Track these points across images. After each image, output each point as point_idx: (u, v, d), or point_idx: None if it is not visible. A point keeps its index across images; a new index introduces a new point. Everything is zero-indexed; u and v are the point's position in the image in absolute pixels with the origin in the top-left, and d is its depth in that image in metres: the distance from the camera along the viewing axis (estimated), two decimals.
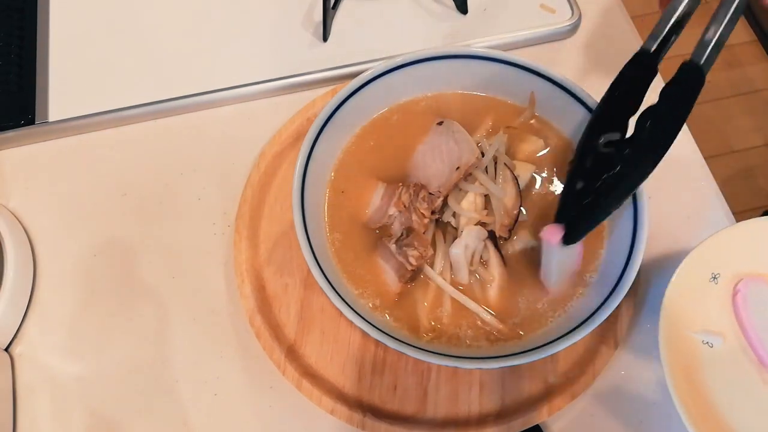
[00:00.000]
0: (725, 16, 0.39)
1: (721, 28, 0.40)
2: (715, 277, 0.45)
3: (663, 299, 0.43)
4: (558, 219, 0.45)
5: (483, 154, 0.50)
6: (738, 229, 0.46)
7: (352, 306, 0.43)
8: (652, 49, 0.43)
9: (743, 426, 0.41)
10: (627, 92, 0.44)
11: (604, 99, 0.45)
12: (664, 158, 0.40)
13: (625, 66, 0.44)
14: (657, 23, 0.43)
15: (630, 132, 0.43)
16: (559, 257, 0.45)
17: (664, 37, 0.43)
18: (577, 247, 0.45)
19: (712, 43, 0.40)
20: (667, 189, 0.55)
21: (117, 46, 0.64)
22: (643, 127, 0.41)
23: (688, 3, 0.42)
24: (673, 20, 0.42)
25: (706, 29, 0.40)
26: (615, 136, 0.44)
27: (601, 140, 0.44)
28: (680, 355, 0.41)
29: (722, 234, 0.45)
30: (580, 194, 0.44)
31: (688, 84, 0.40)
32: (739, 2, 0.39)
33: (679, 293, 0.43)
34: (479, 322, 0.47)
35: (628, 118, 0.44)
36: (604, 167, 0.43)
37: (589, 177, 0.44)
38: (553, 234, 0.43)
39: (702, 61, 0.40)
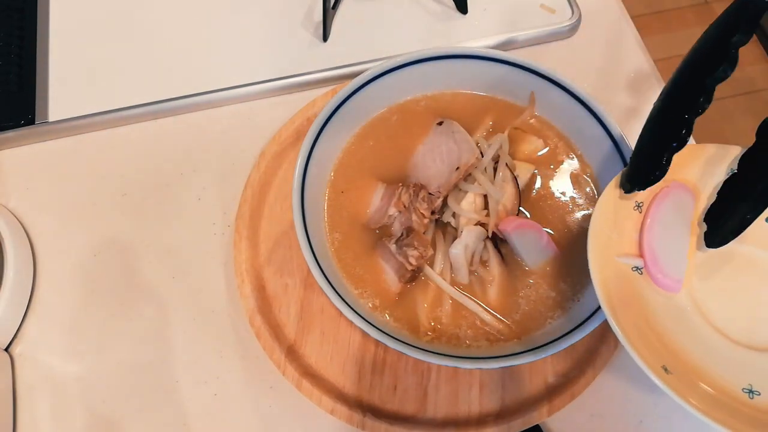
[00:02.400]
0: None
1: None
2: (639, 206, 0.44)
3: (588, 230, 0.42)
4: (631, 171, 0.41)
5: (482, 155, 0.50)
6: None
7: (352, 306, 0.43)
8: None
9: (682, 346, 0.40)
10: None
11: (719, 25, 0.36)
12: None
13: None
14: None
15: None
16: (520, 240, 0.48)
17: None
18: (533, 227, 0.48)
19: None
20: None
21: (117, 46, 0.64)
22: None
23: None
24: None
25: None
26: (728, 71, 0.35)
27: (715, 74, 0.35)
28: (614, 281, 0.41)
29: None
30: (667, 146, 0.38)
31: None
32: None
33: (605, 222, 0.42)
34: (479, 322, 0.47)
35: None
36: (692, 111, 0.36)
37: (684, 124, 0.37)
38: (505, 224, 0.47)
39: None
